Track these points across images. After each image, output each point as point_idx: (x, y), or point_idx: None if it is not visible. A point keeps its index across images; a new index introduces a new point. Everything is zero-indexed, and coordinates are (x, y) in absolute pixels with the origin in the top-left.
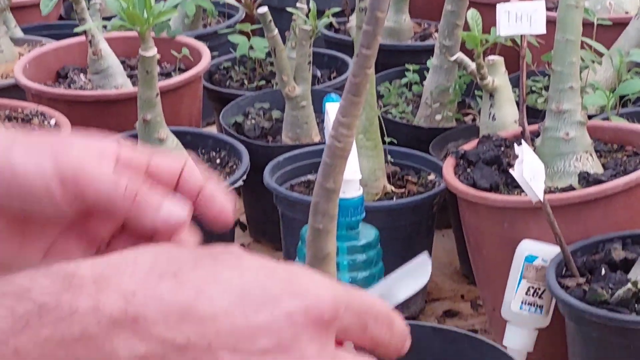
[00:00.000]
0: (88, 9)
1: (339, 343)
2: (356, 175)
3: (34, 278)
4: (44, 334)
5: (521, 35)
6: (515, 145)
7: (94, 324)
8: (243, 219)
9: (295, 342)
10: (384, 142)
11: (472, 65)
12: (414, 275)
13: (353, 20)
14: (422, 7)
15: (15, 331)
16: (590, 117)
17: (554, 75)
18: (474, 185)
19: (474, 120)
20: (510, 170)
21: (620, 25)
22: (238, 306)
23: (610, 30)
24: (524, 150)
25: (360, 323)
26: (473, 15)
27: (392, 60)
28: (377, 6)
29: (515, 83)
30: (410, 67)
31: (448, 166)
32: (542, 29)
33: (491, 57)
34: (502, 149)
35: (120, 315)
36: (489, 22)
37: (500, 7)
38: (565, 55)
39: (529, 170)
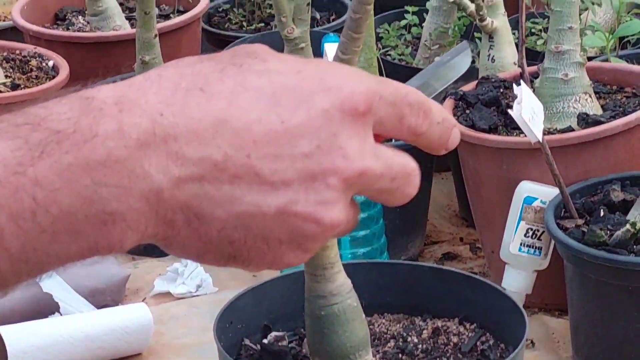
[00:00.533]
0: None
1: (378, 139)
2: None
3: (50, 106)
4: (65, 161)
5: None
6: (514, 85)
7: (120, 147)
8: None
9: (335, 140)
10: None
11: (471, 6)
12: (452, 64)
13: None
14: None
15: (32, 160)
16: (589, 58)
17: (553, 15)
18: (472, 126)
19: (473, 62)
20: (509, 111)
21: None
22: (272, 111)
23: None
24: (522, 91)
25: (396, 112)
26: None
27: (390, 1)
28: None
29: (514, 25)
30: (410, 8)
31: (447, 107)
32: None
33: None
34: (501, 90)
35: (148, 136)
36: None
37: None
38: None
39: (528, 110)
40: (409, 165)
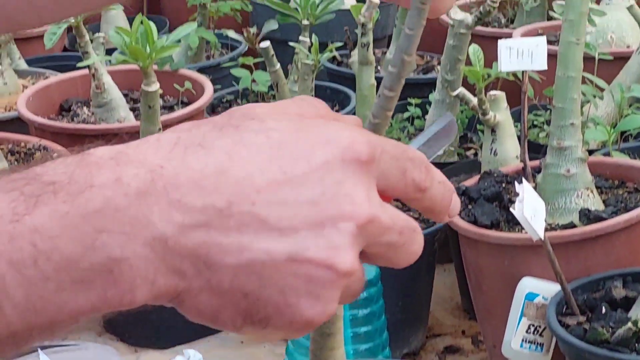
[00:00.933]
0: (91, 42)
1: (384, 199)
2: None
3: (46, 165)
4: (62, 209)
5: (523, 71)
6: (516, 183)
7: (119, 196)
8: None
9: (340, 187)
10: None
11: (474, 101)
12: (439, 135)
13: (355, 54)
14: (425, 40)
15: (28, 209)
16: (591, 151)
17: (555, 111)
18: (475, 222)
19: (475, 154)
20: (511, 209)
21: (621, 59)
22: (273, 163)
23: (611, 64)
24: (524, 188)
25: (398, 165)
26: (475, 51)
27: None
28: (406, 49)
29: (517, 117)
30: (413, 101)
31: None
32: (543, 65)
33: (493, 93)
34: (504, 185)
35: (148, 186)
36: (491, 56)
37: (501, 43)
38: (567, 91)
39: (530, 208)
40: (413, 222)
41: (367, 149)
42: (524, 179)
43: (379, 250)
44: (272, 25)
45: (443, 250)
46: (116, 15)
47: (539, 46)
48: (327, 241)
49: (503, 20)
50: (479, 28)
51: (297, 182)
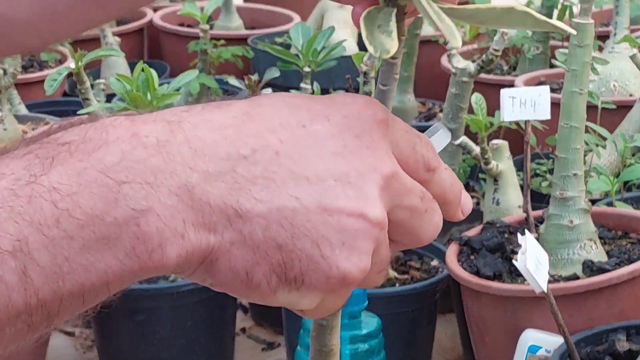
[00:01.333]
0: (92, 88)
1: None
2: None
3: (61, 130)
4: (78, 167)
5: (525, 121)
6: (519, 235)
7: (137, 148)
8: (245, 301)
9: (360, 141)
10: None
11: (476, 149)
12: (435, 139)
13: None
14: (427, 87)
15: (44, 169)
16: (594, 201)
17: (558, 161)
18: (477, 273)
19: (478, 203)
20: (514, 261)
21: (624, 107)
22: (292, 119)
23: (614, 113)
24: (527, 240)
25: (408, 139)
26: (477, 100)
27: None
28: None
29: (519, 166)
30: None
31: (451, 253)
32: (546, 115)
33: (495, 142)
34: (506, 235)
35: (167, 137)
36: (493, 102)
37: (504, 93)
38: (570, 142)
39: (533, 260)
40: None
41: (381, 110)
42: (526, 231)
43: (404, 215)
44: (273, 72)
45: (444, 299)
46: (117, 61)
47: (542, 96)
48: (356, 190)
49: (505, 68)
50: (481, 75)
51: (318, 135)
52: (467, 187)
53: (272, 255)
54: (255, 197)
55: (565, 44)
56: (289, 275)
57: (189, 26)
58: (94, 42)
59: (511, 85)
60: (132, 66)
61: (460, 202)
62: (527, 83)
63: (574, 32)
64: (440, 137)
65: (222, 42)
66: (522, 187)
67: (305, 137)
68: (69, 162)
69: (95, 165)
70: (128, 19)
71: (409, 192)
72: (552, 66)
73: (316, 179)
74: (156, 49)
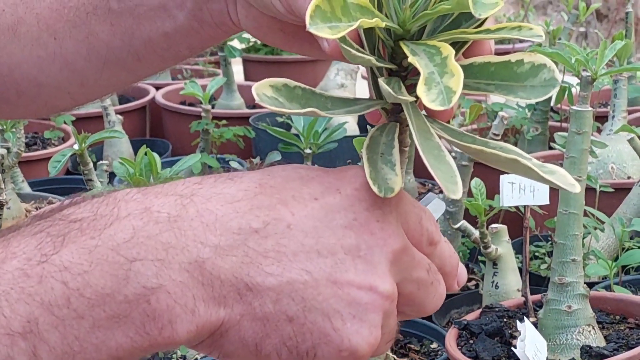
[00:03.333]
0: (95, 169)
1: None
2: None
3: (73, 206)
4: (90, 244)
5: (525, 206)
6: (518, 321)
7: (149, 224)
8: None
9: (370, 214)
10: None
11: (476, 233)
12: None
13: None
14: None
15: (55, 248)
16: (592, 284)
17: (557, 247)
18: (476, 357)
19: (477, 285)
20: (513, 348)
21: (622, 190)
22: (303, 191)
23: (612, 195)
24: (526, 327)
25: (416, 212)
26: (477, 185)
27: None
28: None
29: (518, 248)
30: None
31: (450, 337)
32: (545, 200)
33: (494, 226)
34: (505, 320)
35: (179, 211)
36: (493, 184)
37: (503, 179)
38: (568, 228)
39: (532, 347)
40: (433, 264)
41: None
42: (525, 318)
43: (411, 289)
44: (275, 156)
45: None
46: (119, 140)
47: None
48: (366, 264)
49: None
50: None
51: (328, 208)
52: (467, 270)
53: (282, 328)
54: (266, 270)
55: (564, 125)
56: (300, 349)
57: (190, 104)
58: (97, 119)
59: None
60: (134, 144)
61: (457, 274)
62: None
63: (573, 189)
64: (435, 207)
65: (224, 121)
66: (520, 270)
67: (317, 210)
68: (81, 240)
69: (107, 242)
70: (130, 97)
71: (417, 265)
72: (551, 147)
73: (327, 252)
74: (158, 127)
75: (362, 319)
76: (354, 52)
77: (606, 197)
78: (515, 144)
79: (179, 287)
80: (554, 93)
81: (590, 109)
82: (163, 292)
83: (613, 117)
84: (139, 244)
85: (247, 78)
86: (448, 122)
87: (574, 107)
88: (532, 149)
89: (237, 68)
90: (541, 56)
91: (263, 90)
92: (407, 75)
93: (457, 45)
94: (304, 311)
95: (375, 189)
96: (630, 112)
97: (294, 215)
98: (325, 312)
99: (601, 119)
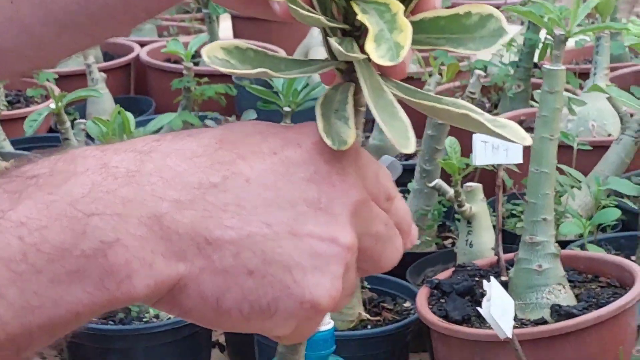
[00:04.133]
0: (72, 127)
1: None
2: None
3: (30, 163)
4: (47, 200)
5: (498, 165)
6: (484, 281)
7: (107, 179)
8: (222, 339)
9: (331, 167)
10: None
11: (451, 192)
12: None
13: None
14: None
15: (12, 204)
16: (568, 242)
17: (528, 206)
18: (446, 316)
19: (454, 244)
20: (479, 308)
21: (602, 148)
22: (263, 145)
23: (592, 153)
24: (492, 287)
25: (373, 169)
26: (451, 144)
27: None
28: None
29: (494, 208)
30: None
31: (421, 296)
32: (519, 159)
33: (469, 184)
34: (477, 278)
35: (138, 167)
36: (470, 146)
37: (476, 137)
38: (539, 187)
39: (498, 307)
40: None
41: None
42: (492, 277)
43: (370, 243)
44: (251, 115)
45: (419, 339)
46: (102, 98)
47: None
48: (327, 216)
49: (487, 105)
50: None
51: (289, 161)
52: (444, 228)
53: (243, 281)
54: (226, 224)
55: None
56: (261, 302)
57: (175, 62)
58: (81, 77)
59: None
60: (117, 102)
61: (410, 232)
62: None
63: (524, 142)
64: (391, 168)
65: (206, 79)
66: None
67: (277, 164)
68: (38, 196)
69: (64, 197)
70: (115, 55)
71: (375, 218)
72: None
73: (287, 204)
74: (143, 85)
75: (323, 271)
76: (302, 12)
77: (586, 155)
78: (498, 101)
79: (137, 241)
80: (502, 42)
81: (563, 67)
82: (121, 246)
83: (595, 74)
84: (96, 199)
85: (235, 36)
86: (405, 80)
87: (546, 66)
88: (514, 106)
89: (227, 25)
90: (488, 7)
91: (214, 52)
92: (360, 35)
93: (406, 1)
94: (264, 264)
95: (328, 141)
96: (613, 70)
97: (253, 170)
98: (286, 265)
99: (584, 76)
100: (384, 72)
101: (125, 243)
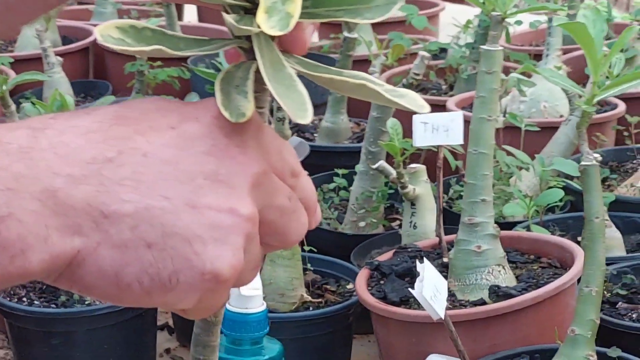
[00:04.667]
0: (18, 112)
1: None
2: (256, 291)
3: None
4: None
5: (438, 146)
6: (417, 262)
7: (1, 155)
8: (171, 322)
9: (230, 140)
10: (304, 250)
11: (394, 173)
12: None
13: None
14: (361, 107)
15: None
16: (516, 224)
17: (467, 187)
18: (384, 298)
19: (401, 226)
20: (410, 289)
21: (553, 129)
22: (161, 120)
23: (544, 134)
24: (425, 268)
25: (276, 143)
26: (393, 125)
27: (328, 161)
28: None
29: (444, 189)
30: (340, 171)
31: (361, 278)
32: (459, 139)
33: (413, 166)
34: (417, 260)
35: (31, 143)
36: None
37: (415, 119)
38: (477, 167)
39: (430, 288)
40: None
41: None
42: (425, 259)
43: (273, 216)
44: (192, 98)
45: (365, 320)
46: (59, 80)
47: (455, 120)
48: (226, 187)
49: (444, 87)
50: None
51: (187, 135)
52: (392, 209)
53: (142, 255)
54: (123, 198)
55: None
56: (162, 276)
57: None
58: (37, 61)
59: (443, 106)
60: (75, 86)
61: (316, 211)
62: (459, 104)
63: (422, 109)
64: (298, 148)
65: (159, 62)
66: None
67: (175, 138)
68: None
69: None
70: (73, 39)
71: (278, 191)
72: None
73: (185, 178)
74: (101, 68)
75: (223, 242)
76: None
77: (537, 136)
78: (454, 83)
79: (31, 215)
80: (397, 8)
81: (500, 48)
82: (14, 221)
83: (547, 55)
84: None
85: (201, 19)
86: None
87: (483, 47)
88: (469, 87)
89: (193, 8)
90: None
91: (108, 31)
92: None
93: None
94: (163, 237)
95: (226, 114)
96: (568, 52)
97: (151, 144)
98: (186, 237)
99: (540, 57)
100: (286, 49)
101: (19, 217)
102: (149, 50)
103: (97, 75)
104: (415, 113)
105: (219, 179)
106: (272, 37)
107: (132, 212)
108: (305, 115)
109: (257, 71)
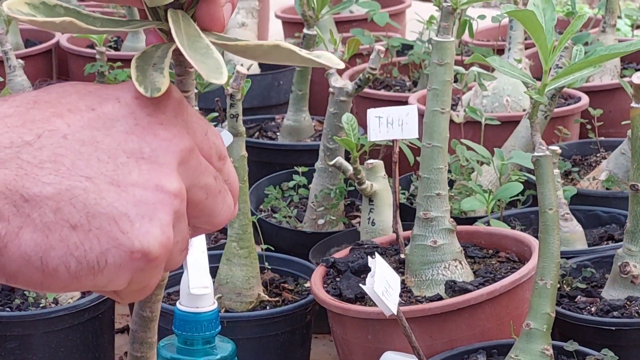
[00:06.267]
0: None
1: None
2: (206, 290)
3: None
4: None
5: (394, 140)
6: (369, 258)
7: None
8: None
9: (153, 119)
10: (262, 249)
11: (351, 170)
12: None
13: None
14: (323, 105)
15: None
16: (476, 219)
17: (421, 181)
18: (340, 295)
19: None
20: (361, 285)
21: (515, 123)
22: (80, 103)
23: (505, 129)
24: (376, 264)
25: (201, 124)
26: (348, 120)
27: (289, 159)
28: None
29: (405, 185)
30: (300, 169)
31: (317, 275)
32: (414, 134)
33: (370, 161)
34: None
35: None
36: None
37: (370, 113)
38: (432, 161)
39: (382, 283)
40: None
41: (176, 90)
42: (376, 254)
43: (200, 196)
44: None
45: (326, 319)
46: (21, 84)
47: (410, 114)
48: (151, 164)
49: (408, 83)
50: (377, 92)
51: (108, 116)
52: (353, 207)
53: (67, 237)
54: (43, 180)
55: (465, 58)
56: (89, 258)
57: (94, 47)
58: None
59: (405, 101)
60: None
61: (237, 198)
62: (421, 100)
63: (338, 66)
64: (223, 137)
65: (119, 63)
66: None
67: (95, 120)
68: None
69: None
70: (36, 41)
71: (204, 171)
72: None
73: (107, 157)
74: (64, 71)
75: (151, 218)
76: None
77: (499, 131)
78: (417, 79)
79: None
80: None
81: (452, 39)
82: None
83: (509, 49)
84: None
85: None
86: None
87: (435, 38)
88: None
89: None
90: None
91: (17, 6)
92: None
93: None
94: (87, 217)
95: (142, 89)
96: (528, 46)
97: (70, 126)
98: (111, 216)
99: (501, 53)
100: (205, 27)
101: None
102: (58, 21)
103: (60, 78)
104: (330, 68)
105: (143, 156)
106: (191, 15)
107: (53, 194)
108: (220, 77)
109: (180, 53)
